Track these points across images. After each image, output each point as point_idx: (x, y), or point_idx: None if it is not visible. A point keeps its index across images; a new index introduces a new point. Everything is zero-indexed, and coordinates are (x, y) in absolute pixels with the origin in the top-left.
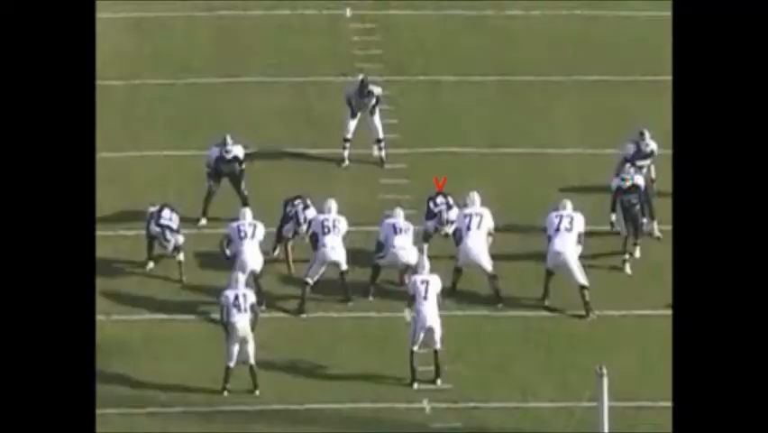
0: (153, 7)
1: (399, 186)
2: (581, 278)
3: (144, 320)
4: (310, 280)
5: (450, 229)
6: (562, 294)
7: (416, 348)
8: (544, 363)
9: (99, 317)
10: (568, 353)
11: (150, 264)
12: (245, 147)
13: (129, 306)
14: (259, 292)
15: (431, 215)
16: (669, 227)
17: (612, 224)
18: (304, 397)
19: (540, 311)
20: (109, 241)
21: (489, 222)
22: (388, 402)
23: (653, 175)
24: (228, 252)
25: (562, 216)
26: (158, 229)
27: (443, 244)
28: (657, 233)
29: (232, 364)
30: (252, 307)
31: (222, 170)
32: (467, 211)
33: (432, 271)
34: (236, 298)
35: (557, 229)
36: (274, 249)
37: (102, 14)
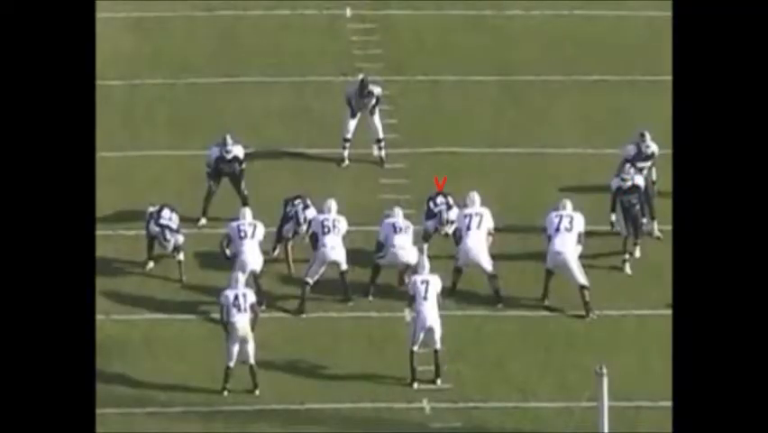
0: (153, 7)
1: (399, 186)
2: (581, 278)
3: (144, 320)
4: (310, 280)
5: (450, 229)
6: (562, 294)
7: (415, 348)
8: (544, 363)
9: (99, 317)
10: (568, 352)
11: (150, 264)
12: (245, 147)
13: (129, 305)
14: (259, 292)
15: (431, 215)
16: (669, 227)
17: (612, 224)
18: (304, 397)
19: (540, 311)
20: (109, 240)
21: (488, 222)
22: (387, 402)
23: (654, 177)
24: (228, 251)
25: (561, 216)
26: (157, 229)
27: (443, 244)
28: (657, 233)
29: (231, 364)
30: (252, 306)
31: (222, 169)
32: (467, 211)
33: (432, 270)
34: (236, 297)
35: (557, 229)
36: (274, 249)
37: (101, 14)
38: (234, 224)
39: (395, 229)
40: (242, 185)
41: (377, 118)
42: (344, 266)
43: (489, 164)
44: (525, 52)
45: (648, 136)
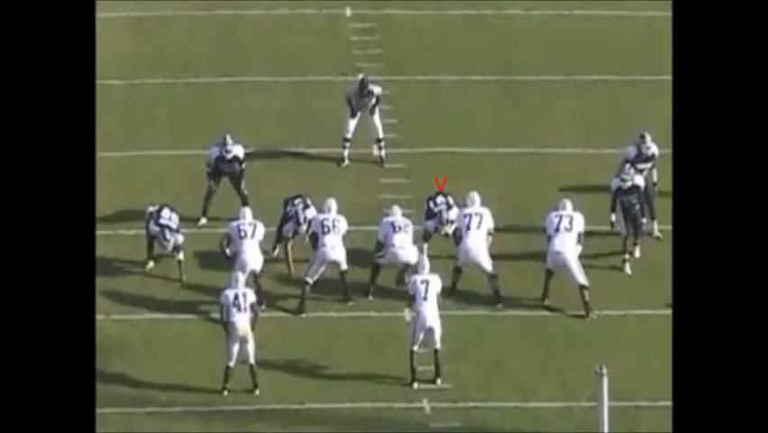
0: (153, 7)
1: (399, 185)
2: (581, 278)
3: (144, 320)
4: (310, 280)
5: (450, 229)
6: (562, 294)
7: (415, 348)
8: (544, 363)
9: (99, 317)
10: (568, 352)
11: (150, 264)
12: (245, 147)
13: (129, 305)
14: (259, 292)
15: (431, 214)
16: (669, 227)
17: (612, 224)
18: (304, 396)
19: (540, 311)
20: (109, 240)
21: (488, 222)
22: (387, 402)
23: (655, 179)
24: (228, 251)
25: (561, 216)
26: (157, 229)
27: (442, 244)
28: (657, 233)
29: (231, 364)
30: (252, 306)
31: (222, 169)
32: (467, 211)
33: (432, 270)
34: (236, 297)
35: (557, 229)
36: (274, 248)
37: (101, 14)
38: (234, 223)
39: (394, 228)
40: (242, 185)
41: (377, 118)
42: (344, 266)
43: (489, 164)
44: (525, 52)
45: (648, 138)
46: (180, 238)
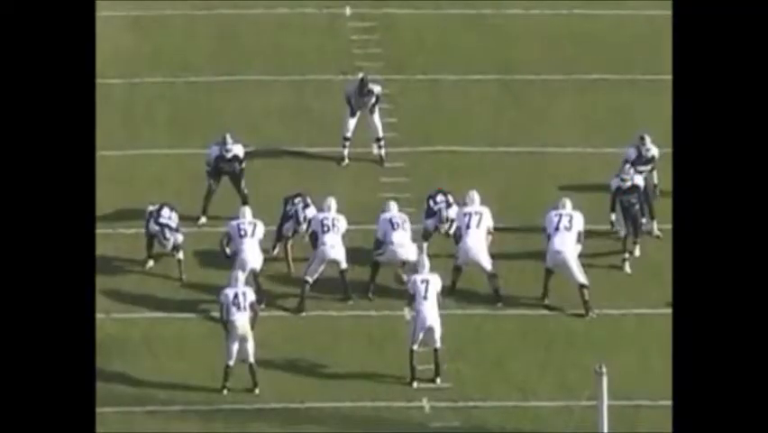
0: (152, 6)
1: (399, 184)
2: (581, 277)
3: (144, 318)
4: (310, 279)
5: (449, 228)
6: (562, 293)
7: (415, 347)
8: (544, 362)
9: (99, 316)
10: (567, 352)
11: (150, 263)
12: (245, 146)
13: (129, 304)
14: (258, 291)
15: (430, 213)
16: (669, 226)
17: (612, 224)
18: (303, 396)
19: (539, 310)
20: (109, 239)
21: (488, 221)
22: (387, 401)
23: (655, 180)
24: (228, 250)
25: (561, 215)
26: (157, 228)
27: (442, 243)
28: (657, 232)
29: (231, 363)
30: (252, 305)
31: (222, 168)
32: (466, 210)
33: (431, 269)
34: (236, 296)
35: (557, 228)
36: (274, 247)
37: (101, 13)
38: (234, 222)
39: (392, 225)
40: (242, 184)
41: (377, 117)
42: (344, 265)
43: (489, 163)
44: (524, 52)
45: (648, 140)
46: (180, 237)
